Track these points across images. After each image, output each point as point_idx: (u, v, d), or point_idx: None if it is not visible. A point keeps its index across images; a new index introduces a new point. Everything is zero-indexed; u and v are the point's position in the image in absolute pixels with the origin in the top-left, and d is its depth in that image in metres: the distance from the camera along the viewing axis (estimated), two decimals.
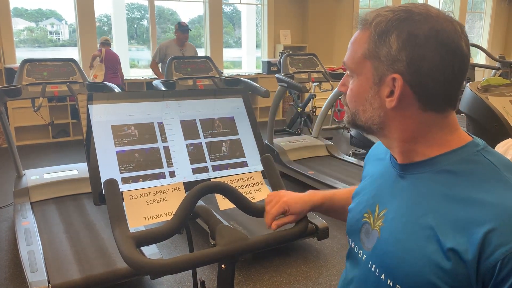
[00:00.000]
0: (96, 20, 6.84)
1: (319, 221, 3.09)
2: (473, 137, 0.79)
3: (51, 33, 8.47)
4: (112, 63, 6.26)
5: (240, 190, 1.16)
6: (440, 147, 0.77)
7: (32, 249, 2.66)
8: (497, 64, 5.56)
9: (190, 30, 6.06)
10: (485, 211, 0.68)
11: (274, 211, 1.04)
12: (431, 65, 0.72)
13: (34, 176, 3.75)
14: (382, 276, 0.79)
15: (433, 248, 0.71)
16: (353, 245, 0.92)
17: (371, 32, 0.76)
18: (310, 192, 1.11)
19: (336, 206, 1.11)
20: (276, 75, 4.72)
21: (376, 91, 0.77)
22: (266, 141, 4.98)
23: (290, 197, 1.06)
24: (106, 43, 6.31)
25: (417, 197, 0.77)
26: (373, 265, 0.82)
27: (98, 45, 6.36)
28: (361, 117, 0.81)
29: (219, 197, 1.17)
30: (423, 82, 0.73)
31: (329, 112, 6.29)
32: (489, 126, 3.19)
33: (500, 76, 5.27)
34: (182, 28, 5.90)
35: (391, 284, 0.77)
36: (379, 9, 0.77)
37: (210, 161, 1.27)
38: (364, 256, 0.86)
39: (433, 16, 0.73)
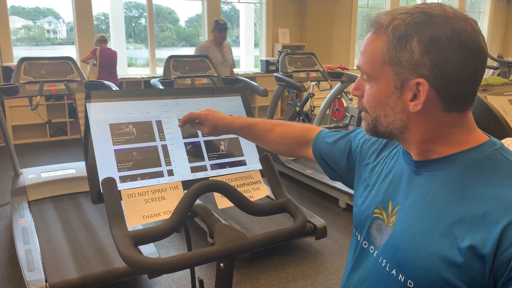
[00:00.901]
0: (93, 18, 6.82)
1: (318, 220, 3.09)
2: (490, 137, 0.79)
3: (48, 31, 8.44)
4: (109, 62, 6.14)
5: (239, 189, 1.16)
6: (459, 146, 0.77)
7: (29, 248, 2.65)
8: (495, 64, 5.56)
9: (228, 29, 5.20)
10: (504, 206, 0.68)
11: (188, 114, 1.20)
12: (456, 67, 0.71)
13: (31, 175, 3.74)
14: (393, 272, 0.79)
15: (448, 244, 0.71)
16: (361, 240, 0.92)
17: (389, 36, 0.74)
18: (236, 116, 1.22)
19: (255, 134, 1.21)
20: (274, 74, 4.71)
21: (398, 95, 0.76)
22: None
23: (213, 113, 1.19)
24: (102, 40, 6.20)
25: (433, 194, 0.77)
26: (384, 261, 0.82)
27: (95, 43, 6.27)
28: (382, 122, 0.80)
29: (217, 196, 1.17)
30: (449, 84, 0.72)
31: (328, 112, 6.29)
32: (487, 125, 3.20)
33: (498, 75, 5.28)
34: (219, 27, 5.09)
35: (402, 280, 0.77)
36: (393, 11, 0.76)
37: (209, 160, 1.26)
38: (376, 252, 0.86)
39: (452, 16, 0.72)
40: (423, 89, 0.72)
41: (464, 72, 0.71)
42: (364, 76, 0.81)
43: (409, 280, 0.76)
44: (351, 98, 6.67)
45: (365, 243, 0.90)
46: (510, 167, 0.73)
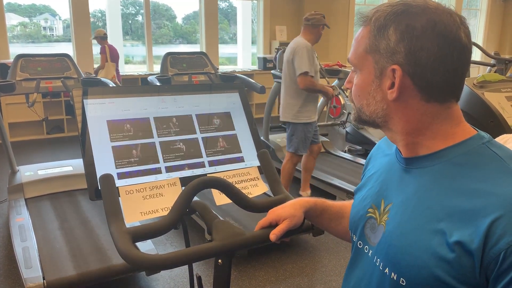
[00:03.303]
0: (90, 15, 6.80)
1: None
2: (477, 131, 0.79)
3: (44, 28, 8.41)
4: (116, 58, 6.24)
5: (237, 186, 1.15)
6: (445, 140, 0.77)
7: (26, 245, 2.65)
8: (492, 61, 5.57)
9: (328, 28, 3.83)
10: (491, 201, 0.68)
11: (261, 222, 1.04)
12: (429, 55, 0.73)
13: (28, 172, 3.73)
14: (386, 270, 0.79)
15: (438, 241, 0.71)
16: (357, 241, 0.92)
17: (371, 27, 0.78)
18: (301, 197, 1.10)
19: (331, 210, 1.10)
20: (272, 71, 4.71)
21: (378, 84, 0.78)
22: (261, 138, 4.97)
23: (278, 207, 1.04)
24: (105, 37, 6.24)
25: (422, 191, 0.77)
26: (378, 260, 0.82)
27: (92, 40, 6.28)
28: (365, 111, 0.82)
29: (215, 193, 1.17)
30: (422, 72, 0.74)
31: (325, 109, 6.29)
32: (484, 121, 3.22)
33: (495, 72, 5.28)
34: (324, 21, 3.79)
35: (395, 278, 0.77)
36: (380, 5, 0.80)
37: (207, 156, 1.26)
38: (370, 252, 0.86)
39: (431, 8, 0.74)
40: (397, 75, 0.75)
41: (439, 61, 0.73)
42: (353, 68, 0.84)
43: (401, 278, 0.76)
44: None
45: (360, 243, 0.91)
46: (498, 161, 0.73)
